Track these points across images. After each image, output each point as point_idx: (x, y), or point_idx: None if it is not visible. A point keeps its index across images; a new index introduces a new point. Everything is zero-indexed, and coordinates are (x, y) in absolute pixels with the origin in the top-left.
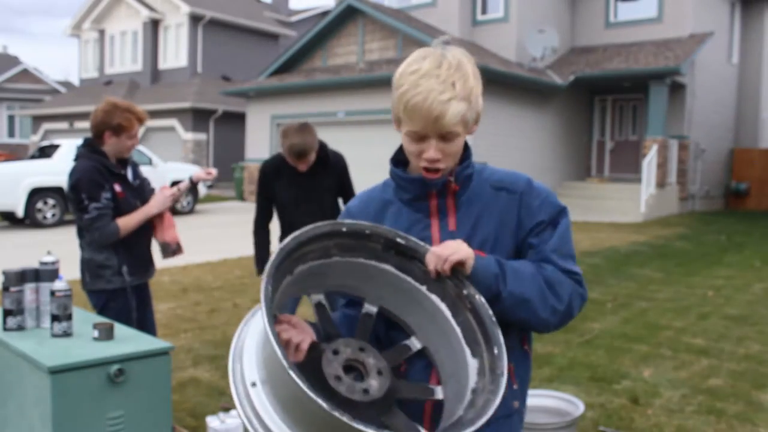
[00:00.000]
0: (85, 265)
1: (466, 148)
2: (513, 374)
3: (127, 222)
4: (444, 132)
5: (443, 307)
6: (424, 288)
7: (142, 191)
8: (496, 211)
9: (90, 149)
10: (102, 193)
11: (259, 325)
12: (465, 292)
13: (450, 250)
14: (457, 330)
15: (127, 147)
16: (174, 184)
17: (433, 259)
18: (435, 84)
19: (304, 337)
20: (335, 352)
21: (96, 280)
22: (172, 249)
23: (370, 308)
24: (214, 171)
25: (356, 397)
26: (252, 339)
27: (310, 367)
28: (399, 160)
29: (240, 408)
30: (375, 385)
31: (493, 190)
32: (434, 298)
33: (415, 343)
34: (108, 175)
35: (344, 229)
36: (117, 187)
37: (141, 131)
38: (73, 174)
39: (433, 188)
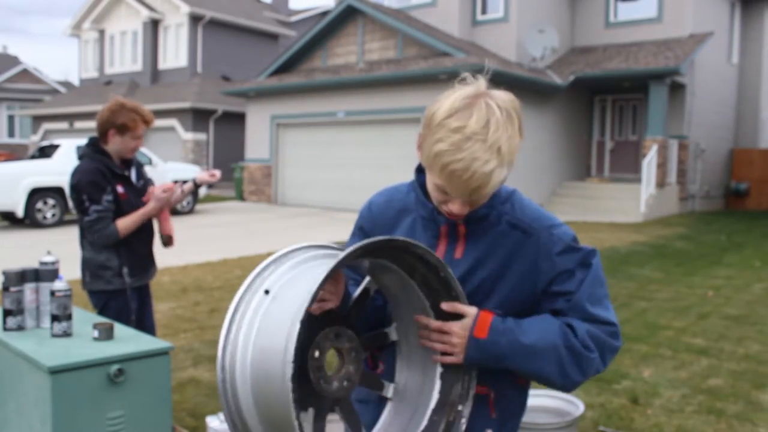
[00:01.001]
0: (86, 265)
1: None
2: (492, 403)
3: (126, 223)
4: (478, 198)
5: (435, 393)
6: (440, 369)
7: (145, 192)
8: (505, 249)
9: (94, 149)
10: (103, 195)
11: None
12: (460, 407)
13: (449, 345)
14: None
15: (131, 148)
16: (174, 184)
17: (435, 337)
18: (480, 151)
19: (331, 298)
20: (320, 351)
21: (96, 281)
22: (163, 240)
23: (393, 334)
24: (217, 173)
25: (339, 394)
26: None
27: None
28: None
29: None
30: (352, 369)
31: (508, 227)
32: (438, 383)
33: (392, 334)
34: (110, 176)
35: (442, 275)
36: (119, 188)
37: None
38: (75, 174)
39: (442, 223)
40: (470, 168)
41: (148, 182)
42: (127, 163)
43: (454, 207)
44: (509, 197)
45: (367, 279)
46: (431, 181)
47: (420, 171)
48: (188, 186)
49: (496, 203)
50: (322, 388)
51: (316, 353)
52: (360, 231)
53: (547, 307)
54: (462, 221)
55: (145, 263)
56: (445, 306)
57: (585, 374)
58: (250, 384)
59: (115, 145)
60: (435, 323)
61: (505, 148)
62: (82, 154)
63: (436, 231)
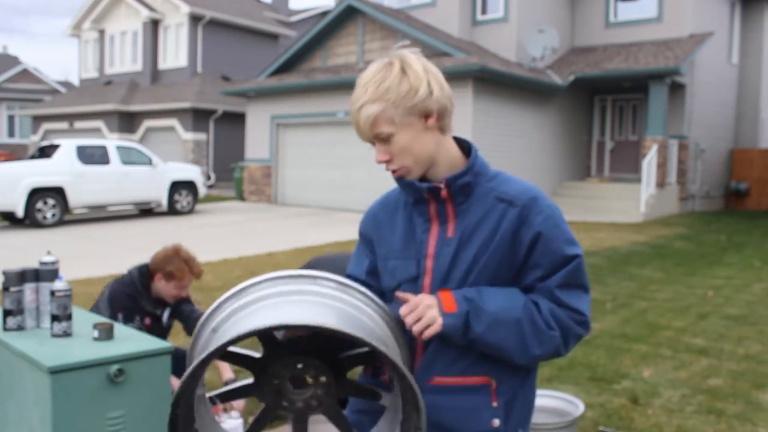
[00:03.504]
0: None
1: (471, 156)
2: (494, 392)
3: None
4: (372, 135)
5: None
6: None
7: (168, 331)
8: (492, 221)
9: (141, 279)
10: (135, 315)
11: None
12: None
13: (422, 324)
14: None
15: (172, 295)
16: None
17: (408, 316)
18: (356, 94)
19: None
20: (278, 378)
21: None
22: None
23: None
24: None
25: (309, 409)
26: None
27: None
28: None
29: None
30: (320, 393)
31: (495, 201)
32: None
33: (385, 401)
34: (138, 310)
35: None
36: (147, 320)
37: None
38: (112, 286)
39: (422, 192)
40: (352, 110)
41: (193, 312)
42: (164, 303)
43: (377, 156)
44: (496, 175)
45: None
46: None
47: None
48: None
49: (481, 179)
50: (285, 407)
51: (275, 380)
52: (360, 236)
53: (521, 281)
54: (444, 187)
55: None
56: (399, 294)
57: (545, 350)
58: None
59: (158, 288)
60: (407, 303)
61: (372, 89)
62: (131, 271)
63: (427, 214)
